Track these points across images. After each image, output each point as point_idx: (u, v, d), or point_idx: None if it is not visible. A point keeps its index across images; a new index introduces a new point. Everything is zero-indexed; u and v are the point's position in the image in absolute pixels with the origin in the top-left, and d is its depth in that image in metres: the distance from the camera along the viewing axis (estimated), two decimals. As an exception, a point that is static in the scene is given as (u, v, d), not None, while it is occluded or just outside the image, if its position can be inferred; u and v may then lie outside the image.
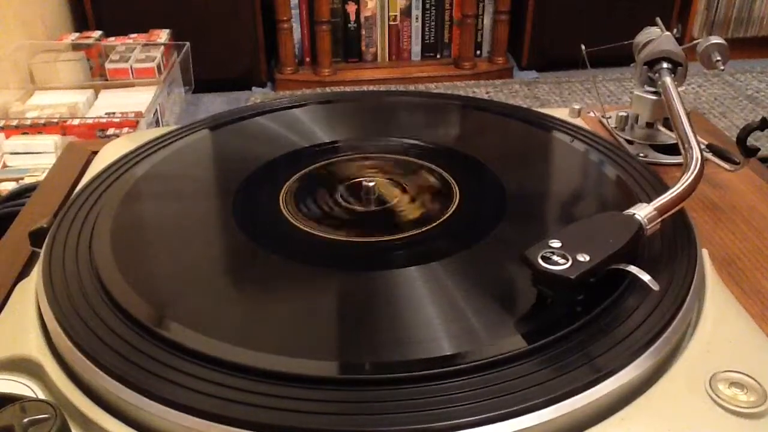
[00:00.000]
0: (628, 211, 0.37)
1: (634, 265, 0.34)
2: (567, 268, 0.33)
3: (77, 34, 1.70)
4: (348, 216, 0.44)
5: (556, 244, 0.34)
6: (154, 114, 1.45)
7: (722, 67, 0.56)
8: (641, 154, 0.56)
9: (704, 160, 0.43)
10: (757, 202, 0.50)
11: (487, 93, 1.92)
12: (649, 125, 0.58)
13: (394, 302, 0.36)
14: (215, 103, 1.86)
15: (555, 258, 0.33)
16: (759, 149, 0.50)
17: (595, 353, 0.31)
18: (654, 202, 0.38)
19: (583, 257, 0.33)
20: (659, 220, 0.37)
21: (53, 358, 0.34)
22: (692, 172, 0.41)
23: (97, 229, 0.42)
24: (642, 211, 0.37)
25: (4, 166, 1.22)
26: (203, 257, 0.41)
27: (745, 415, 0.29)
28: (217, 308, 0.36)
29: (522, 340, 0.32)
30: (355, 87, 1.94)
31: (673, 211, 0.38)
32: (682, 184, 0.40)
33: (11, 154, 1.24)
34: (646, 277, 0.33)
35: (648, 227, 0.36)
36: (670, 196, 0.38)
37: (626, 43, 0.62)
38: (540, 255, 0.33)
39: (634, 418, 0.30)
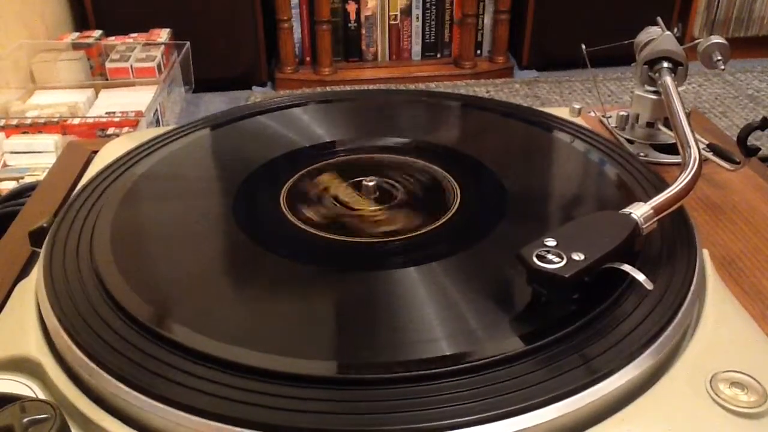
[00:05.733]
0: (624, 210, 0.37)
1: (635, 264, 0.34)
2: (561, 267, 0.33)
3: (77, 34, 1.70)
4: (348, 216, 0.44)
5: (551, 242, 0.34)
6: (154, 113, 1.45)
7: (723, 67, 0.56)
8: (642, 154, 0.56)
9: (702, 159, 0.43)
10: (757, 201, 0.50)
11: (488, 92, 1.91)
12: (650, 125, 0.58)
13: (394, 302, 0.36)
14: (215, 103, 1.86)
15: (550, 257, 0.33)
16: (759, 149, 0.50)
17: (595, 353, 0.31)
18: (651, 201, 0.38)
19: (578, 256, 0.33)
20: (656, 219, 0.37)
21: (53, 358, 0.34)
22: (690, 172, 0.41)
23: (98, 228, 0.42)
24: (638, 210, 0.36)
25: (5, 165, 1.22)
26: (203, 257, 0.41)
27: (745, 415, 0.29)
28: (216, 308, 0.36)
29: (522, 340, 0.32)
30: (356, 86, 1.94)
31: (670, 210, 0.38)
32: (680, 183, 0.40)
33: (11, 153, 1.24)
34: (640, 277, 0.33)
35: (644, 226, 0.36)
36: (667, 196, 0.38)
37: (627, 42, 0.62)
38: (535, 253, 0.33)
39: (634, 418, 0.30)
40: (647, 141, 0.57)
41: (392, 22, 2.01)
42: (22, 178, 1.13)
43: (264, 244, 0.41)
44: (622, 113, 0.59)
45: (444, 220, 0.43)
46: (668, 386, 0.31)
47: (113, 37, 1.69)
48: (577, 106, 0.61)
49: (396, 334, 0.33)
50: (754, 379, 0.31)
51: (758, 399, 0.30)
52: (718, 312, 0.35)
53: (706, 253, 0.39)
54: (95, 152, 0.57)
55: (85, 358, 0.32)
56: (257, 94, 1.92)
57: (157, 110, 1.48)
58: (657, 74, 0.55)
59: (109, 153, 0.54)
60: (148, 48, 1.65)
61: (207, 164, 0.52)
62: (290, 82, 1.96)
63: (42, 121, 1.31)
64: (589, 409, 0.29)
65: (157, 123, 1.48)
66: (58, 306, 0.35)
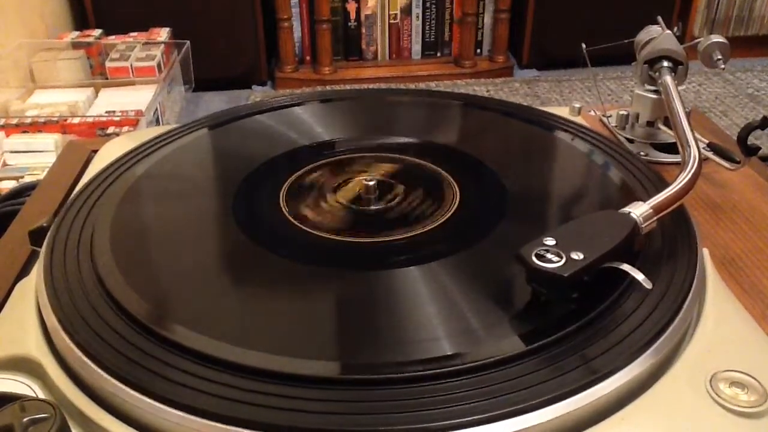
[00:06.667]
0: (624, 209, 0.37)
1: (635, 263, 0.34)
2: (560, 266, 0.32)
3: (77, 33, 1.70)
4: (348, 215, 0.44)
5: (550, 242, 0.34)
6: (154, 113, 1.45)
7: (723, 66, 0.56)
8: (642, 153, 0.56)
9: (702, 158, 0.43)
10: (757, 201, 0.50)
11: (488, 91, 1.91)
12: (650, 124, 0.58)
13: (394, 302, 0.36)
14: (215, 102, 1.86)
15: (549, 256, 0.33)
16: (760, 148, 0.50)
17: (595, 353, 0.31)
18: (650, 200, 0.38)
19: (577, 255, 0.33)
20: (655, 218, 0.37)
21: (53, 358, 0.33)
22: (689, 171, 0.41)
23: (97, 228, 0.42)
24: (638, 210, 0.36)
25: (5, 164, 1.22)
26: (203, 256, 0.41)
27: (745, 415, 0.29)
28: (216, 307, 0.36)
29: (522, 340, 0.32)
30: (356, 85, 1.94)
31: (669, 209, 0.38)
32: (680, 182, 0.40)
33: (11, 152, 1.24)
34: (639, 276, 0.33)
35: (644, 225, 0.36)
36: (666, 195, 0.38)
37: (627, 41, 0.62)
38: (534, 253, 0.33)
39: (634, 418, 0.30)
40: (647, 140, 0.57)
41: (392, 21, 2.01)
42: (22, 177, 1.13)
43: (264, 244, 0.41)
44: (622, 112, 0.59)
45: (444, 219, 0.43)
46: (668, 386, 0.31)
47: (113, 36, 1.69)
48: (577, 106, 0.61)
49: (396, 333, 0.33)
50: (754, 378, 0.31)
51: (758, 399, 0.30)
52: (718, 311, 0.35)
53: (706, 252, 0.39)
54: (95, 151, 0.57)
55: (85, 358, 0.32)
56: (257, 94, 1.92)
57: (157, 109, 1.48)
58: (657, 73, 0.55)
59: (109, 152, 0.54)
60: (148, 47, 1.65)
61: (207, 164, 0.52)
62: (290, 82, 1.96)
63: (42, 120, 1.31)
64: (589, 409, 0.29)
65: (157, 122, 1.48)
66: (57, 305, 0.35)
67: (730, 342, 0.33)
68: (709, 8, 2.03)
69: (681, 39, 0.57)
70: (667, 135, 0.57)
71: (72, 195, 0.46)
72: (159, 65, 1.59)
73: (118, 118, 1.33)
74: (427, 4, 2.00)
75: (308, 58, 2.02)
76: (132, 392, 0.30)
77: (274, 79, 1.97)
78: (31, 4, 1.63)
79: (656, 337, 0.32)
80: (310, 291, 0.37)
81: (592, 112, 0.62)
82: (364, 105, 0.61)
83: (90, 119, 1.34)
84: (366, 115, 0.59)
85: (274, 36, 1.93)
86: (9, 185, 1.05)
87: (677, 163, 0.55)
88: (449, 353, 0.31)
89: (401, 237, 0.41)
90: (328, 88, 1.91)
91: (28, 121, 1.31)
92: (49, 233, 0.42)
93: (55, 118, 1.32)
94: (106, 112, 1.39)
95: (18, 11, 1.57)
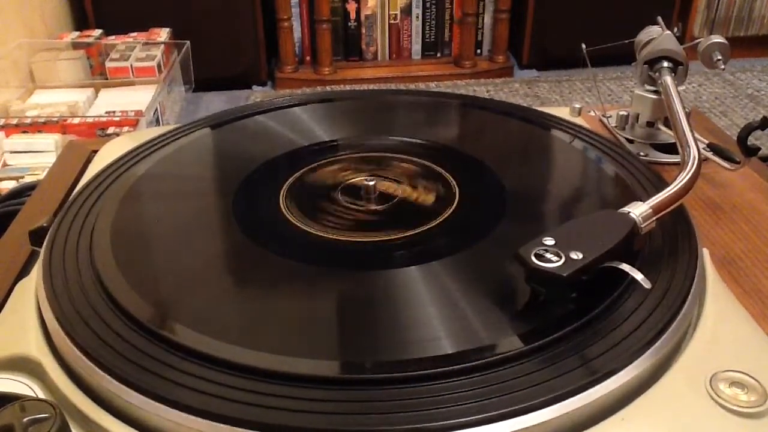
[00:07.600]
0: (623, 209, 0.37)
1: (635, 263, 0.34)
2: (559, 266, 0.33)
3: (77, 33, 1.70)
4: (348, 215, 0.44)
5: (549, 241, 0.34)
6: (154, 113, 1.45)
7: (723, 66, 0.56)
8: (642, 153, 0.56)
9: (702, 158, 0.43)
10: (757, 201, 0.50)
11: (488, 92, 1.91)
12: (650, 124, 0.58)
13: (394, 302, 0.36)
14: (215, 102, 1.86)
15: (548, 256, 0.33)
16: (759, 148, 0.50)
17: (595, 353, 0.31)
18: (650, 200, 0.38)
19: (576, 255, 0.33)
20: (655, 218, 0.37)
21: (53, 358, 0.34)
22: (689, 171, 0.41)
23: (98, 228, 0.42)
24: (637, 210, 0.36)
25: (5, 164, 1.22)
26: (203, 256, 0.41)
27: (745, 415, 0.29)
28: (216, 307, 0.36)
29: (521, 339, 0.32)
30: (356, 86, 1.94)
31: (669, 209, 0.38)
32: (679, 182, 0.40)
33: (11, 152, 1.23)
34: (638, 276, 0.33)
35: (643, 225, 0.36)
36: (665, 195, 0.38)
37: (627, 42, 0.62)
38: (533, 252, 0.33)
39: (634, 418, 0.30)
40: (647, 140, 0.57)
41: (392, 22, 2.01)
42: (22, 177, 1.13)
43: (264, 244, 0.41)
44: (622, 113, 0.59)
45: (444, 219, 0.43)
46: (668, 386, 0.31)
47: (113, 37, 1.69)
48: (578, 106, 0.61)
49: (396, 333, 0.33)
50: (754, 378, 0.31)
51: (758, 399, 0.30)
52: (718, 312, 0.35)
53: (706, 252, 0.39)
54: (95, 152, 0.57)
55: (85, 358, 0.32)
56: (257, 94, 1.92)
57: (157, 110, 1.48)
58: (657, 74, 0.55)
59: (109, 152, 0.54)
60: (148, 47, 1.65)
61: (207, 164, 0.52)
62: (290, 82, 1.96)
63: (42, 120, 1.31)
64: (589, 409, 0.29)
65: (157, 122, 1.48)
66: (57, 305, 0.35)
67: (730, 342, 0.33)
68: (709, 8, 2.03)
69: (681, 39, 0.57)
70: (667, 135, 0.57)
71: (72, 195, 0.46)
72: (159, 65, 1.59)
73: (118, 118, 1.33)
74: (427, 4, 2.00)
75: (308, 58, 2.02)
76: (132, 392, 0.30)
77: (274, 79, 1.97)
78: (31, 4, 1.63)
79: (656, 337, 0.32)
80: (310, 291, 0.37)
81: (592, 113, 0.62)
82: (363, 105, 0.61)
83: (90, 119, 1.34)
84: (365, 116, 0.59)
85: (274, 36, 1.93)
86: (9, 185, 1.05)
87: (677, 164, 0.55)
88: (449, 353, 0.31)
89: (401, 237, 0.41)
90: (328, 88, 1.91)
91: (28, 121, 1.31)
92: (49, 233, 0.42)
93: (55, 119, 1.32)
94: (106, 112, 1.39)
95: (18, 11, 1.57)
